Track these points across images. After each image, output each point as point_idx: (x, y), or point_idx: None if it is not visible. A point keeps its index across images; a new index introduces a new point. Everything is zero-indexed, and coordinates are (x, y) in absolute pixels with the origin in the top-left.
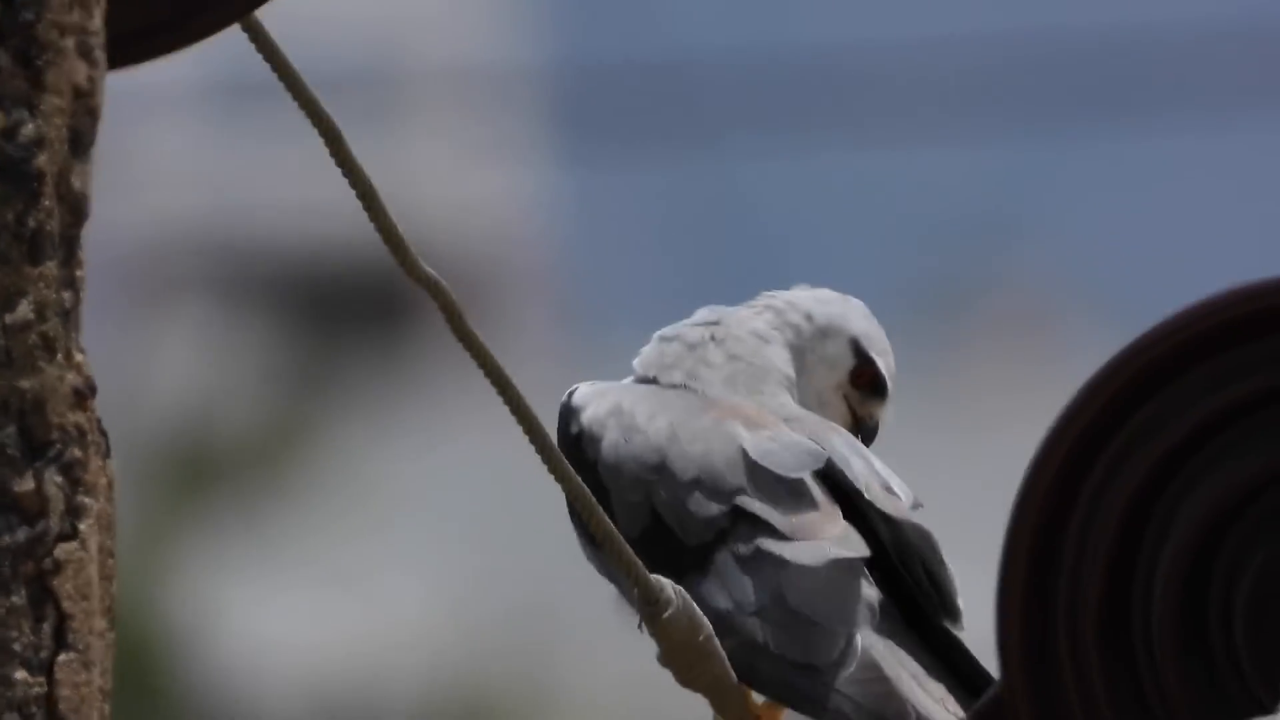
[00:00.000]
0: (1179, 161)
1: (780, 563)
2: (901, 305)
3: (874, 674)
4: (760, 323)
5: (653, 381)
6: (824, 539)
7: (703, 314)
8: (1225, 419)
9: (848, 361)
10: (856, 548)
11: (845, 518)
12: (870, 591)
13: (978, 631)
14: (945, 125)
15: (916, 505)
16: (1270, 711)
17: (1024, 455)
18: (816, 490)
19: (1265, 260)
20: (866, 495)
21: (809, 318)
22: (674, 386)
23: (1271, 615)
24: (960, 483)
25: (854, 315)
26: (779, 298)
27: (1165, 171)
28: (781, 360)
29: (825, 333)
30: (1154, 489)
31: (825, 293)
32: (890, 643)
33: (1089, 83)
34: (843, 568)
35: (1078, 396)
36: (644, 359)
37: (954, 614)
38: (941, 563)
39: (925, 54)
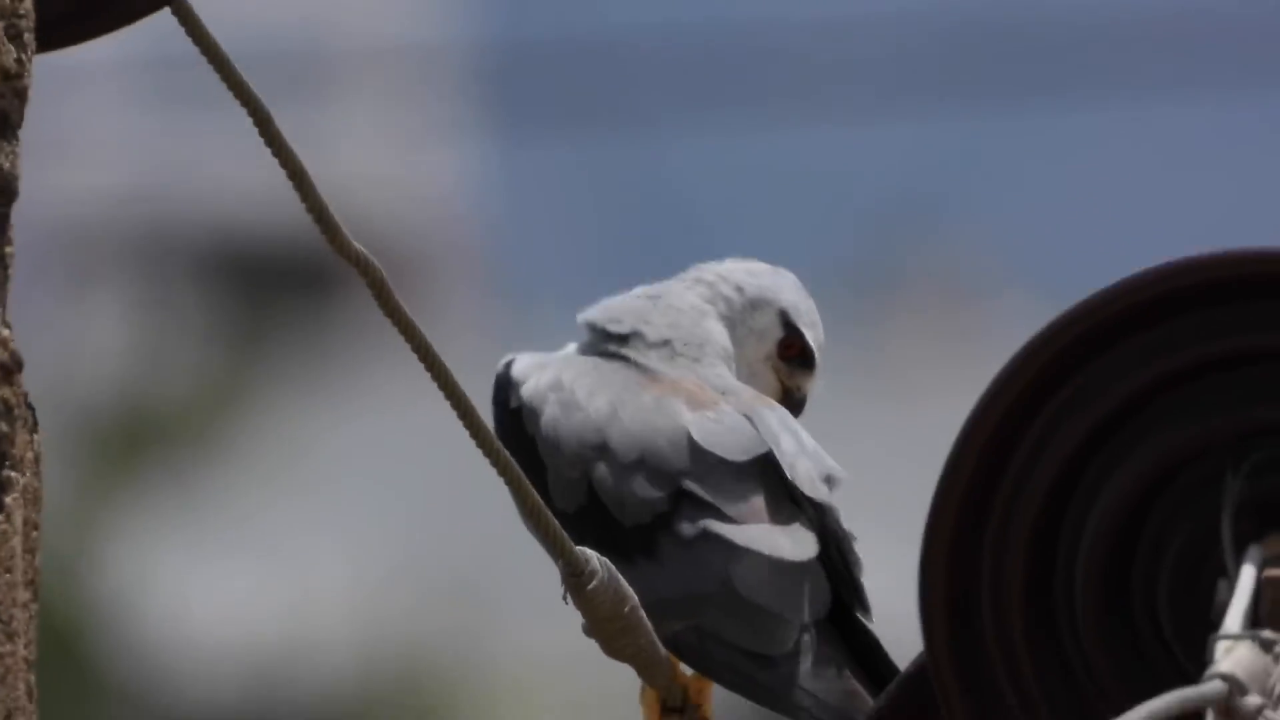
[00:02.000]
0: (1105, 138)
1: (729, 547)
2: (831, 281)
3: (833, 669)
4: (694, 296)
5: (599, 332)
6: (771, 524)
7: (640, 290)
8: (1152, 392)
9: (776, 333)
10: (806, 543)
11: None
12: (818, 582)
13: (900, 603)
14: (873, 103)
15: (838, 479)
16: (1194, 680)
17: (952, 429)
18: (760, 475)
19: (1191, 235)
20: (790, 476)
21: (740, 290)
22: (616, 357)
23: (1195, 585)
24: (888, 455)
25: (784, 287)
26: (710, 270)
27: (1091, 148)
28: (718, 333)
29: (755, 304)
30: (1080, 461)
31: (756, 265)
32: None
33: (1014, 60)
34: (795, 563)
35: (1006, 369)
36: (588, 314)
37: (866, 606)
38: (854, 553)
39: (854, 33)
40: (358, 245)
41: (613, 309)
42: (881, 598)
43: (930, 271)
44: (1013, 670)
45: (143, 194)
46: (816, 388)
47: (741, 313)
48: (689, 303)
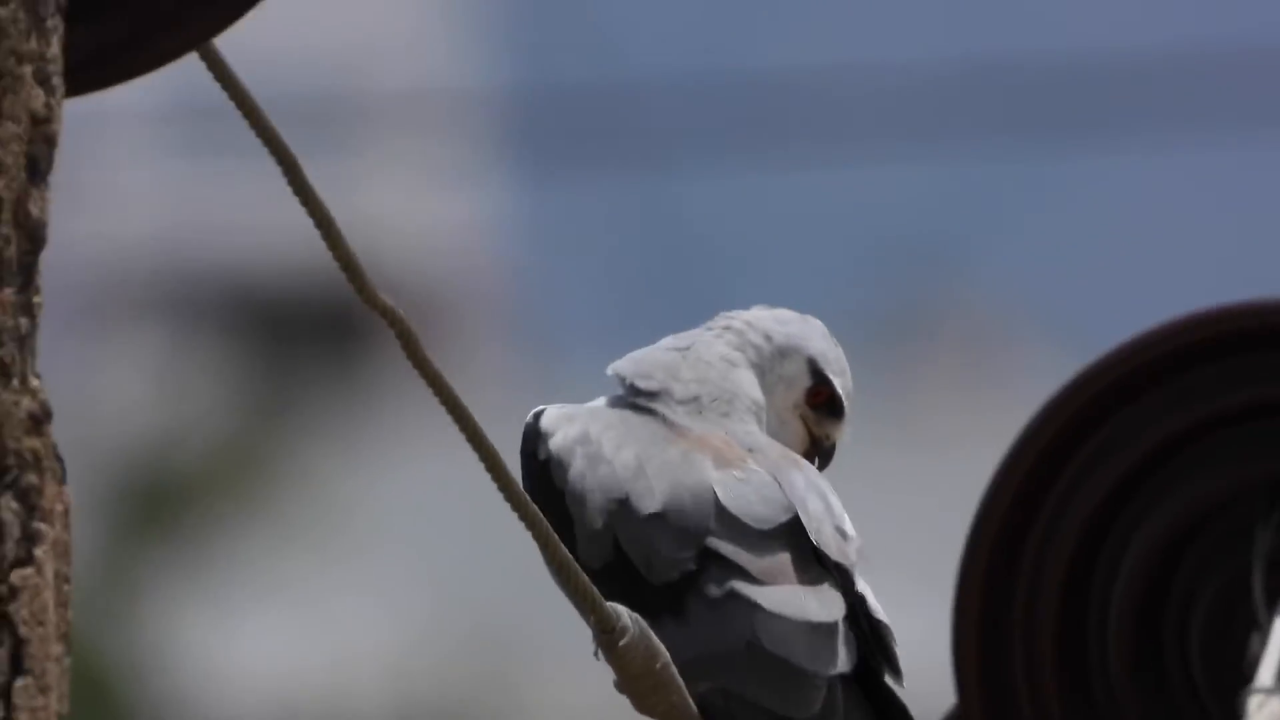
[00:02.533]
0: (1131, 183)
1: (754, 607)
2: (855, 327)
3: None
4: (723, 345)
5: (629, 388)
6: (798, 585)
7: (668, 341)
8: (1180, 442)
9: (805, 381)
10: (834, 604)
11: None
12: (845, 643)
13: (928, 655)
14: (898, 147)
15: (863, 556)
16: None
17: (979, 477)
18: (787, 537)
19: (1219, 282)
20: (816, 540)
21: (768, 338)
22: (644, 410)
23: (1227, 637)
24: (915, 506)
25: (812, 335)
26: (738, 318)
27: (1117, 193)
28: (749, 384)
29: (783, 352)
30: (1110, 511)
31: (784, 313)
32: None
33: (1040, 105)
34: (822, 624)
35: (1036, 418)
36: (618, 366)
37: (897, 669)
38: (882, 618)
39: (878, 76)
40: (385, 297)
41: (642, 363)
42: (910, 649)
43: (955, 319)
44: None
45: (170, 242)
46: (845, 436)
47: (770, 360)
48: (718, 353)
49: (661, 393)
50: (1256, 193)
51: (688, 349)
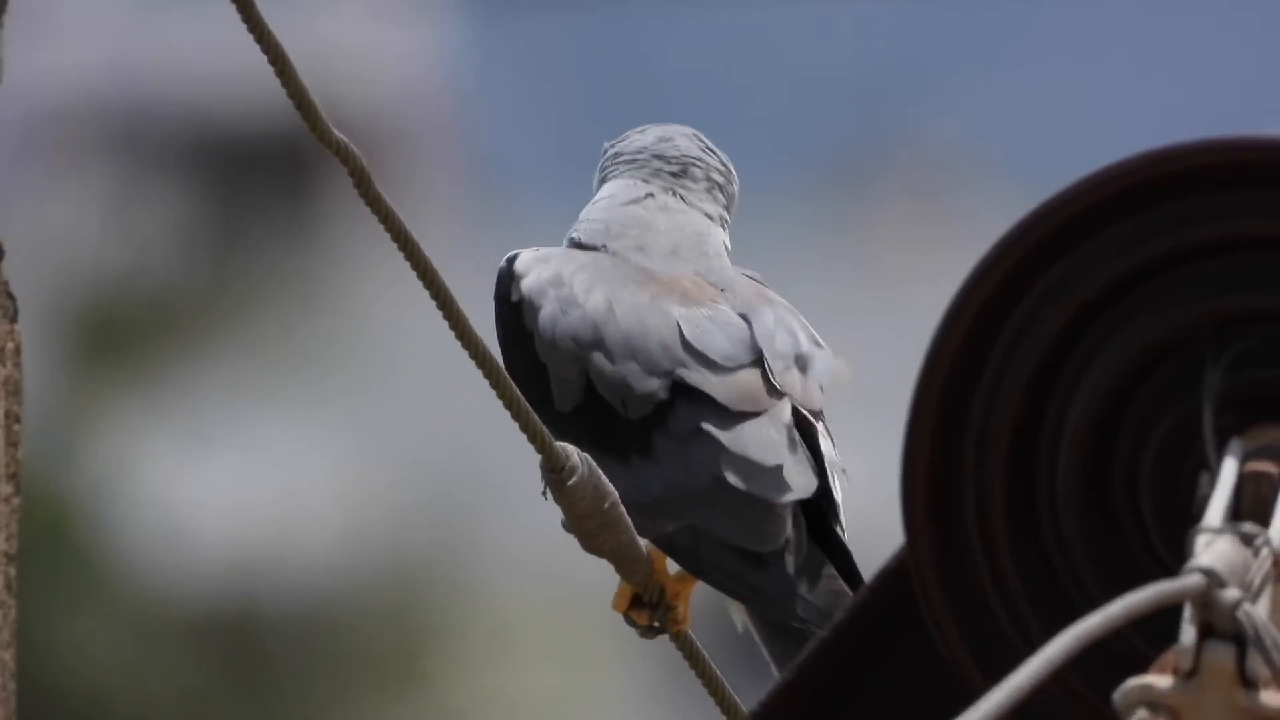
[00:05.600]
0: (1095, 16)
1: (720, 445)
2: (809, 162)
3: (819, 570)
4: (711, 204)
5: (600, 250)
6: (763, 417)
7: (625, 192)
8: (1133, 281)
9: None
10: (795, 439)
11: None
12: (806, 475)
13: (879, 493)
14: None
15: (841, 383)
16: (1175, 575)
17: (932, 314)
18: (751, 371)
19: (1175, 120)
20: (780, 385)
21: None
22: (617, 255)
23: (1176, 478)
24: (868, 342)
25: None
26: (709, 167)
27: (1079, 27)
28: (718, 234)
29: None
30: (1062, 349)
31: (681, 131)
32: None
33: None
34: (783, 459)
35: (985, 259)
36: (590, 228)
37: (839, 517)
38: (832, 462)
39: None
40: (338, 133)
41: (614, 225)
42: (862, 489)
43: (911, 153)
44: (994, 564)
45: (124, 76)
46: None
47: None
48: (703, 209)
49: (639, 249)
50: (1222, 29)
51: (655, 200)
